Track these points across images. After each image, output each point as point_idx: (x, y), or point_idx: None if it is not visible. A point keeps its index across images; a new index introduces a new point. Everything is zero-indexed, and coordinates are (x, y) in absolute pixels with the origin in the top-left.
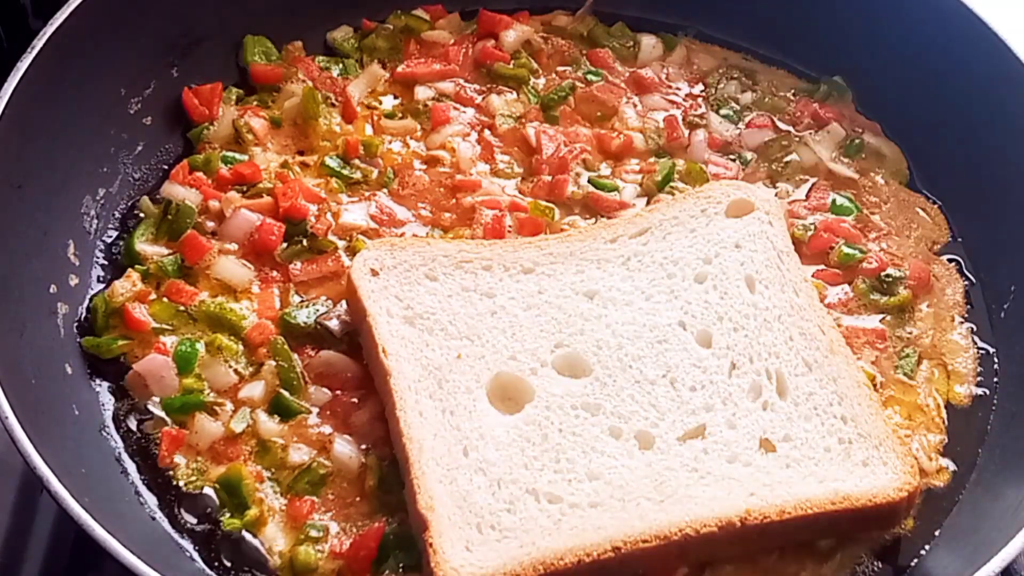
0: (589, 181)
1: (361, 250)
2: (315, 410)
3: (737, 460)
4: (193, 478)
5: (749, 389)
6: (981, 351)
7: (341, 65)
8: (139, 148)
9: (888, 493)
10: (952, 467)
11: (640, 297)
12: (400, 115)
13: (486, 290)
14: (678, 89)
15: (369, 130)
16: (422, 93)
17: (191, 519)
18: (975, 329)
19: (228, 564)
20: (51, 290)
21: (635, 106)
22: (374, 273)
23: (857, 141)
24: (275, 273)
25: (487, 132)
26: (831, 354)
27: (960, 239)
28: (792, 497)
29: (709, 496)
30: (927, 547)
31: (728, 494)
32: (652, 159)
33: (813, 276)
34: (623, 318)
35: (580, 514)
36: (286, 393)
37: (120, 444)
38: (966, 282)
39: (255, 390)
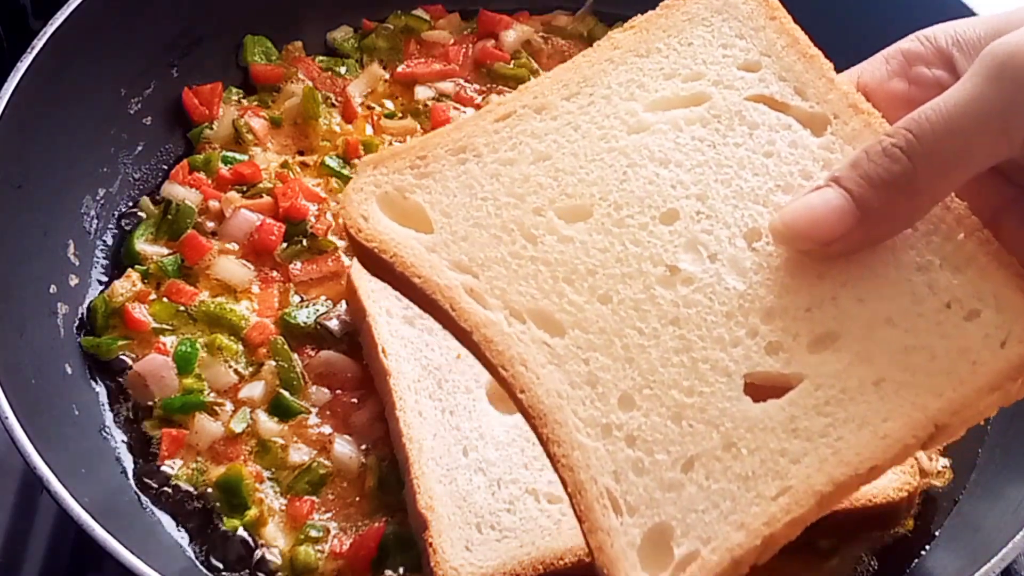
0: None
1: None
2: (315, 410)
3: None
4: (193, 478)
5: None
6: None
7: (344, 67)
8: (139, 148)
9: (888, 493)
10: (952, 467)
11: None
12: (400, 115)
13: None
14: None
15: (369, 130)
16: (422, 93)
17: (191, 519)
18: None
19: (228, 564)
20: (51, 290)
21: None
22: None
23: None
24: (275, 273)
25: None
26: None
27: None
28: None
29: None
30: (927, 547)
31: None
32: None
33: None
34: None
35: None
36: (286, 393)
37: (120, 444)
38: None
39: (255, 390)
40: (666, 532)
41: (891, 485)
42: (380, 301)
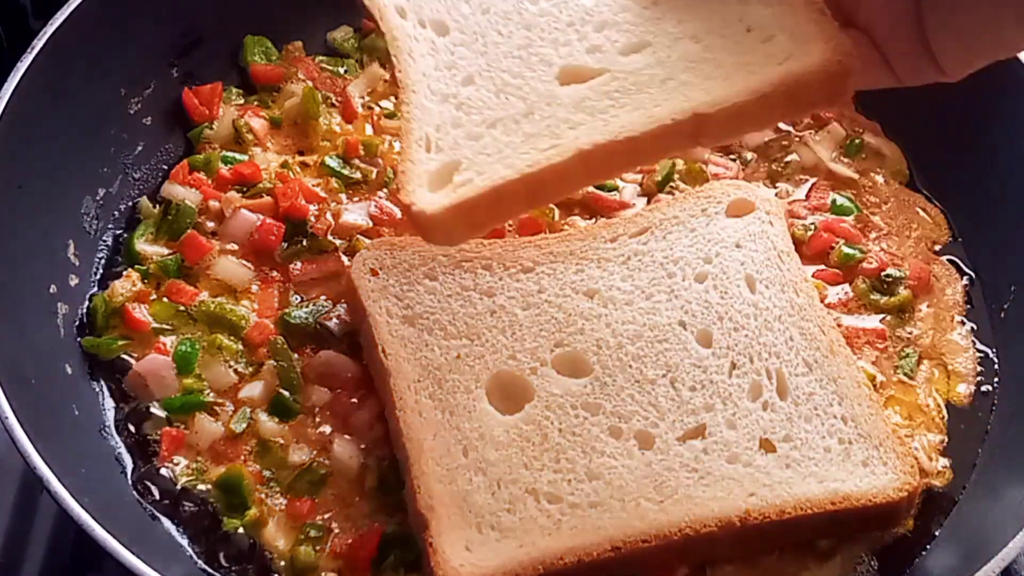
0: None
1: (361, 250)
2: (315, 410)
3: (737, 460)
4: (193, 478)
5: (749, 389)
6: (981, 351)
7: (344, 67)
8: (139, 148)
9: (888, 493)
10: (952, 467)
11: (640, 297)
12: (400, 115)
13: (486, 289)
14: None
15: (369, 130)
16: None
17: (191, 519)
18: (975, 329)
19: (228, 564)
20: (51, 290)
21: None
22: (374, 273)
23: (857, 141)
24: (275, 273)
25: None
26: (831, 354)
27: (960, 239)
28: (792, 497)
29: (709, 496)
30: (927, 547)
31: (728, 494)
32: None
33: (813, 276)
34: (623, 317)
35: (580, 514)
36: (286, 393)
37: (120, 444)
38: (966, 282)
39: (255, 390)
40: (455, 167)
41: (891, 485)
42: (380, 301)
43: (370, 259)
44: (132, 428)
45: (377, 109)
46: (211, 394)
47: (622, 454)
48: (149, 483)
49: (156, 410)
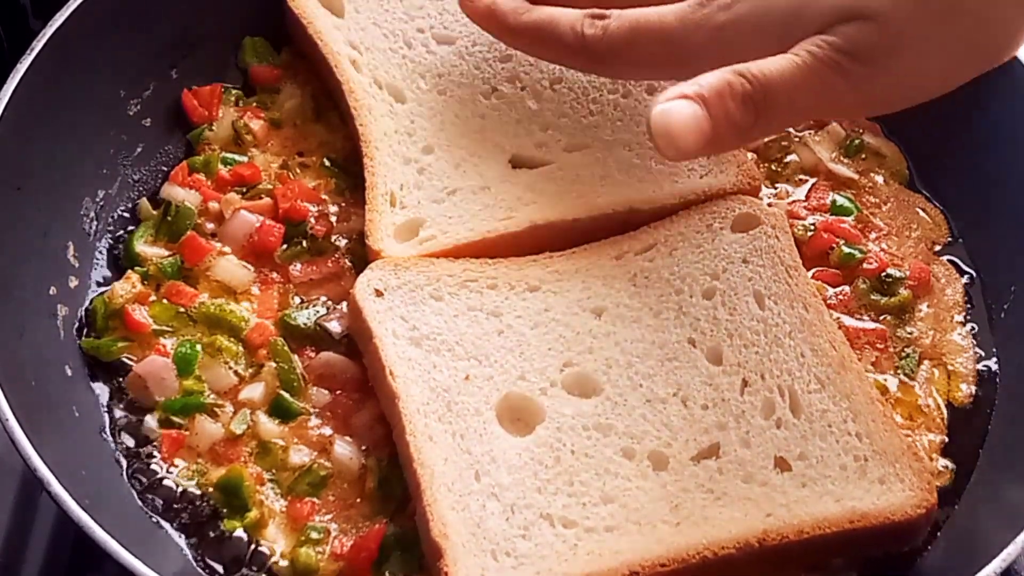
0: None
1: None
2: (315, 411)
3: (753, 480)
4: (193, 480)
5: (762, 407)
6: (981, 351)
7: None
8: (139, 149)
9: (906, 510)
10: (952, 467)
11: (648, 314)
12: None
13: (492, 309)
14: None
15: None
16: None
17: (191, 521)
18: (975, 329)
19: (228, 566)
20: (51, 292)
21: None
22: (378, 294)
23: (857, 141)
24: (275, 274)
25: None
26: (843, 370)
27: (960, 239)
28: (810, 516)
29: (726, 517)
30: (927, 547)
31: (745, 515)
32: None
33: (813, 276)
34: (632, 336)
35: (596, 538)
36: (286, 394)
37: (120, 445)
38: (966, 282)
39: (255, 391)
40: (419, 224)
41: (908, 502)
42: (386, 323)
43: (374, 279)
44: (132, 429)
45: None
46: (211, 396)
47: (636, 475)
48: (149, 484)
49: (156, 411)
